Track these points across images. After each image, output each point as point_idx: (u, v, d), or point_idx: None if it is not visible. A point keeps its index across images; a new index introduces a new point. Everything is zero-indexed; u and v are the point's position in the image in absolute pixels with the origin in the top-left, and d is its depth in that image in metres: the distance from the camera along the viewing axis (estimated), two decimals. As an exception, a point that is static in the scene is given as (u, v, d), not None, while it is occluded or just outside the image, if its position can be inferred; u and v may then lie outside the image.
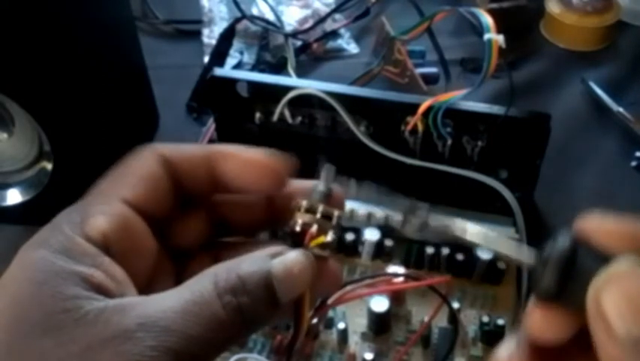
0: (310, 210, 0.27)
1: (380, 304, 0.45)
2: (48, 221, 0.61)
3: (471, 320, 0.46)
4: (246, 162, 0.28)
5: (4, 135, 0.53)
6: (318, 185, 0.28)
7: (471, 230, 0.25)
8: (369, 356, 0.43)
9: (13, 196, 0.54)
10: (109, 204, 0.26)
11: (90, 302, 0.22)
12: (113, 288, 0.24)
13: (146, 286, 0.26)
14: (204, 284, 0.24)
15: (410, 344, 0.44)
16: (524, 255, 0.24)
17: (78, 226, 0.25)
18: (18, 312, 0.22)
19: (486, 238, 0.25)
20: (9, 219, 0.56)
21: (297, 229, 0.27)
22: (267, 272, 0.24)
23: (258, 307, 0.24)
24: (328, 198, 0.28)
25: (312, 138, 0.55)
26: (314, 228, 0.27)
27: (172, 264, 0.29)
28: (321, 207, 0.27)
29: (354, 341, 0.45)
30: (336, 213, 0.27)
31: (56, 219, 0.26)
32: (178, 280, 0.27)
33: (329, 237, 0.27)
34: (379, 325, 0.45)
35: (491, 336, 0.45)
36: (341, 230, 0.28)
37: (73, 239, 0.24)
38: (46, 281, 0.23)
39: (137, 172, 0.27)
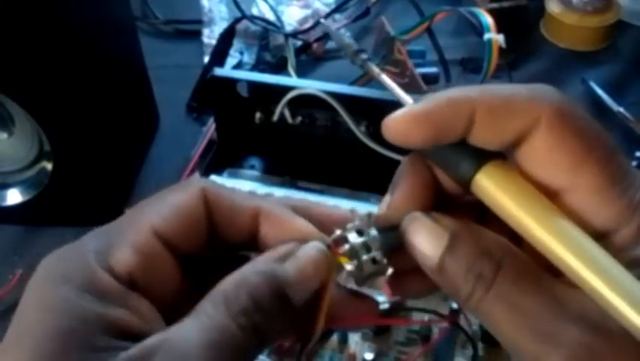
0: (359, 232, 0.26)
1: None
2: (48, 221, 0.60)
3: (471, 320, 0.46)
4: (290, 232, 0.26)
5: (4, 135, 0.53)
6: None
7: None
8: (369, 356, 0.43)
9: (13, 196, 0.54)
10: (138, 232, 0.25)
11: (115, 355, 0.21)
12: (139, 327, 0.23)
13: (171, 312, 0.25)
14: (217, 308, 0.23)
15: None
16: (405, 98, 0.28)
17: (104, 256, 0.24)
18: None
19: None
20: (9, 219, 0.56)
21: (331, 239, 0.26)
22: (277, 281, 0.23)
23: (272, 322, 0.23)
24: (387, 241, 0.26)
25: (312, 138, 0.55)
26: (345, 247, 0.26)
27: (196, 284, 0.27)
28: (368, 237, 0.26)
29: (354, 341, 0.45)
30: (377, 255, 0.26)
31: (83, 243, 0.25)
32: (193, 288, 0.26)
33: (349, 266, 0.26)
34: (379, 325, 0.45)
35: (491, 336, 0.44)
36: (363, 279, 0.27)
37: (98, 274, 0.23)
38: (72, 331, 0.22)
39: (175, 204, 0.26)
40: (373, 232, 0.26)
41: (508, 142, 0.24)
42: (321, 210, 0.28)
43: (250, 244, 0.27)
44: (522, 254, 0.24)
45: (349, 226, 0.26)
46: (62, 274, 0.23)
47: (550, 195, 0.24)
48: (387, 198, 0.27)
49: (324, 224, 0.27)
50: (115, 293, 0.23)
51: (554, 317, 0.22)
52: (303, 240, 0.26)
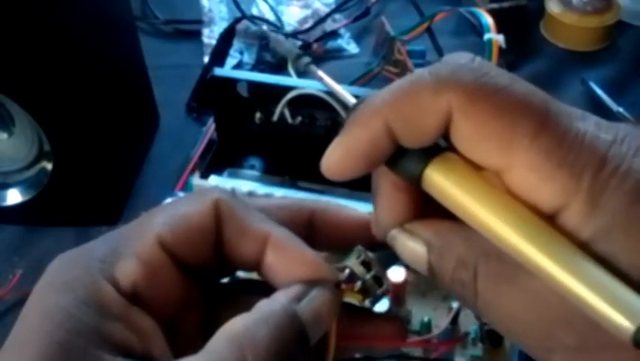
0: (365, 264, 0.26)
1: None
2: (48, 221, 0.60)
3: (471, 320, 0.46)
4: (299, 264, 0.25)
5: (4, 135, 0.53)
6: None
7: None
8: (369, 356, 0.43)
9: (13, 196, 0.54)
10: (143, 242, 0.24)
11: None
12: (136, 345, 0.23)
13: (173, 323, 0.25)
14: (231, 351, 0.22)
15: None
16: (347, 97, 0.26)
17: (109, 266, 0.24)
18: None
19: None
20: (9, 219, 0.56)
21: (342, 278, 0.26)
22: (300, 322, 0.23)
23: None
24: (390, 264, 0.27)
25: (312, 138, 0.55)
26: (358, 284, 0.26)
27: (200, 295, 0.27)
28: (376, 269, 0.26)
29: (354, 341, 0.45)
30: (386, 283, 0.26)
31: (91, 248, 0.24)
32: (206, 314, 0.26)
33: (367, 302, 0.26)
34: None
35: (491, 336, 0.44)
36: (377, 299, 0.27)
37: (101, 286, 0.23)
38: (66, 342, 0.21)
39: (184, 214, 0.25)
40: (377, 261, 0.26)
41: (436, 137, 0.23)
42: (341, 215, 0.28)
43: (254, 267, 0.27)
44: (494, 251, 0.22)
45: (353, 255, 0.26)
46: (65, 282, 0.23)
47: (495, 178, 0.22)
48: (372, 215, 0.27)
49: (343, 232, 0.27)
50: (115, 307, 0.23)
51: (542, 321, 0.21)
52: (311, 274, 0.25)
